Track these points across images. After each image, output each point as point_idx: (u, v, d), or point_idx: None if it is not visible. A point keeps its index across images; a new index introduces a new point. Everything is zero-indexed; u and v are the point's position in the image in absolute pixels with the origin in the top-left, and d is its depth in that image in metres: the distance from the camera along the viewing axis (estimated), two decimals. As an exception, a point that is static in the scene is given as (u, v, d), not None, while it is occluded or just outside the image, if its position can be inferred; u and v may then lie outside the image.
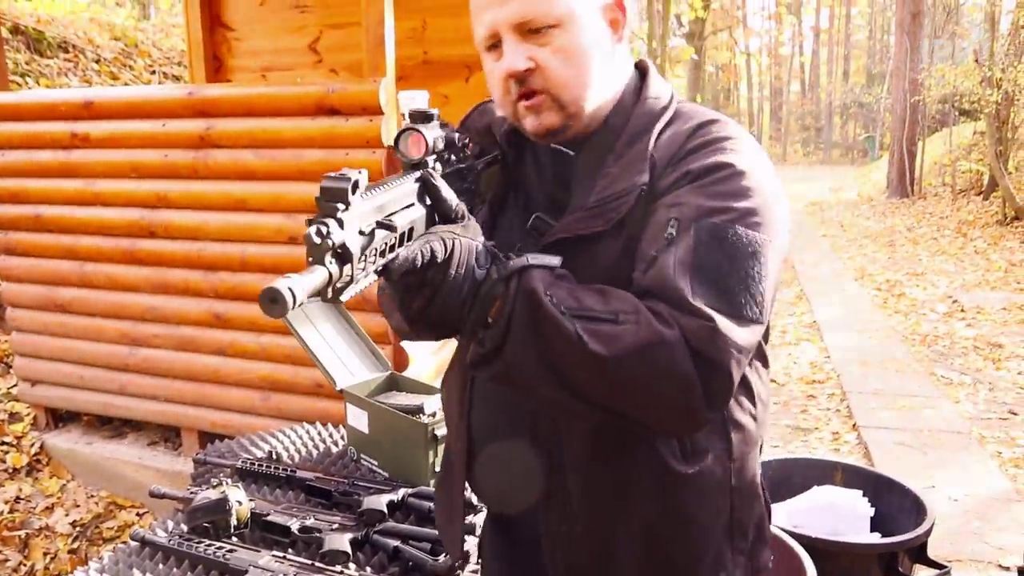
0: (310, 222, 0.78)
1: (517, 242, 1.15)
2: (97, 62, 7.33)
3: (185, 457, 3.72)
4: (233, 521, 1.85)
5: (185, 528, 1.90)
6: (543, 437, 1.16)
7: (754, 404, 1.17)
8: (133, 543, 1.89)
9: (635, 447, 1.11)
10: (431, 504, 1.94)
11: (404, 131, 1.05)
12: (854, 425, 4.73)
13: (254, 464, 2.25)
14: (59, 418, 4.23)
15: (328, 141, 3.13)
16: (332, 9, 4.66)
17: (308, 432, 2.61)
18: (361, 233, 0.82)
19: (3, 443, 4.09)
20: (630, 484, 1.13)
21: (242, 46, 4.97)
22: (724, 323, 0.95)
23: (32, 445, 4.10)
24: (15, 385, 4.27)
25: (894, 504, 2.76)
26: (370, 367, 2.51)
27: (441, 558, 1.74)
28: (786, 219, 1.09)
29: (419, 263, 0.89)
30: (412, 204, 0.96)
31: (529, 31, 1.08)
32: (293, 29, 4.84)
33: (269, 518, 1.89)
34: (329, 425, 2.65)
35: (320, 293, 0.78)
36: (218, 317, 3.51)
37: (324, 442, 2.56)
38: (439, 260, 0.91)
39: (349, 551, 1.74)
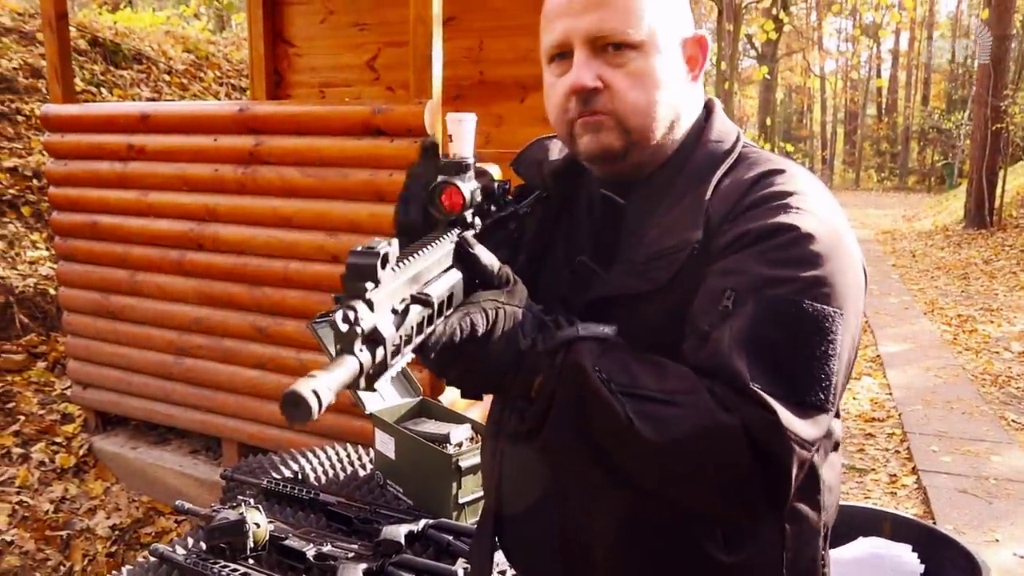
0: (336, 302, 0.71)
1: (560, 287, 1.08)
2: (168, 73, 7.55)
3: (224, 468, 3.75)
4: (250, 543, 1.84)
5: (204, 546, 1.89)
6: (572, 512, 1.08)
7: (818, 492, 1.05)
8: (152, 559, 1.89)
9: (670, 531, 1.02)
10: (451, 537, 1.90)
11: (438, 185, 0.98)
12: (913, 468, 4.52)
13: (279, 485, 2.24)
14: (108, 422, 4.31)
15: (373, 161, 3.13)
16: (390, 27, 4.70)
17: (338, 453, 2.59)
18: (394, 312, 0.75)
19: (54, 443, 4.19)
20: (662, 570, 1.04)
21: (302, 62, 5.05)
22: (786, 414, 0.85)
23: (81, 447, 4.19)
24: (69, 387, 4.38)
25: (947, 561, 2.59)
26: (402, 391, 2.49)
27: (454, 597, 1.69)
28: (860, 285, 0.97)
29: (457, 338, 0.82)
30: (450, 267, 0.88)
31: (605, 47, 1.00)
32: (352, 47, 4.89)
33: (286, 542, 1.87)
34: (359, 447, 2.63)
35: (351, 386, 0.70)
36: (260, 331, 3.53)
37: (352, 464, 2.53)
38: (479, 334, 0.84)
39: (361, 583, 1.70)
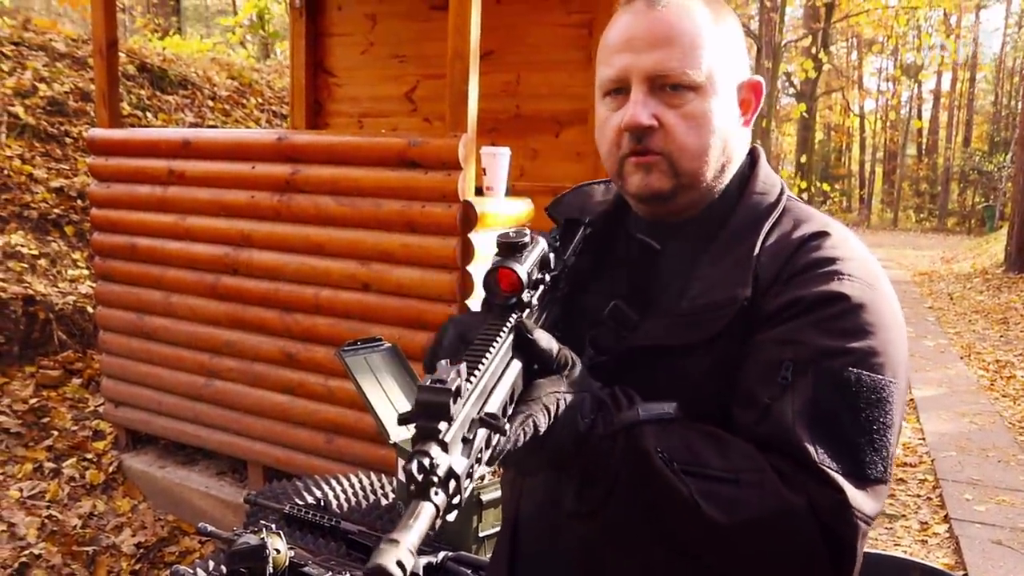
0: (411, 450, 0.68)
1: (594, 328, 1.07)
2: (212, 99, 7.73)
3: (249, 491, 3.78)
4: (269, 569, 1.85)
5: (224, 570, 1.91)
6: (596, 558, 1.06)
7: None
8: (172, 581, 1.91)
9: None
10: (469, 571, 1.89)
11: (494, 268, 0.93)
12: (946, 516, 4.40)
13: (301, 511, 2.25)
14: (138, 440, 4.38)
15: (407, 192, 3.17)
16: (429, 60, 4.77)
17: (361, 481, 2.60)
18: (465, 441, 0.73)
19: (85, 459, 4.26)
20: None
21: (342, 92, 5.14)
22: (852, 491, 0.85)
23: (111, 464, 4.25)
24: (102, 404, 4.46)
25: (976, 616, 2.54)
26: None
27: (469, 632, 1.68)
28: (907, 350, 0.97)
29: (521, 442, 0.80)
30: (510, 361, 0.86)
31: (663, 87, 0.99)
32: (391, 78, 4.98)
33: (305, 569, 1.88)
34: (383, 476, 2.64)
35: (430, 528, 0.68)
36: (290, 356, 3.57)
37: (375, 493, 2.55)
38: (541, 433, 0.82)
39: (377, 614, 1.70)
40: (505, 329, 0.87)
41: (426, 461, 0.66)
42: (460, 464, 0.71)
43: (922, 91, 35.88)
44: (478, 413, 0.76)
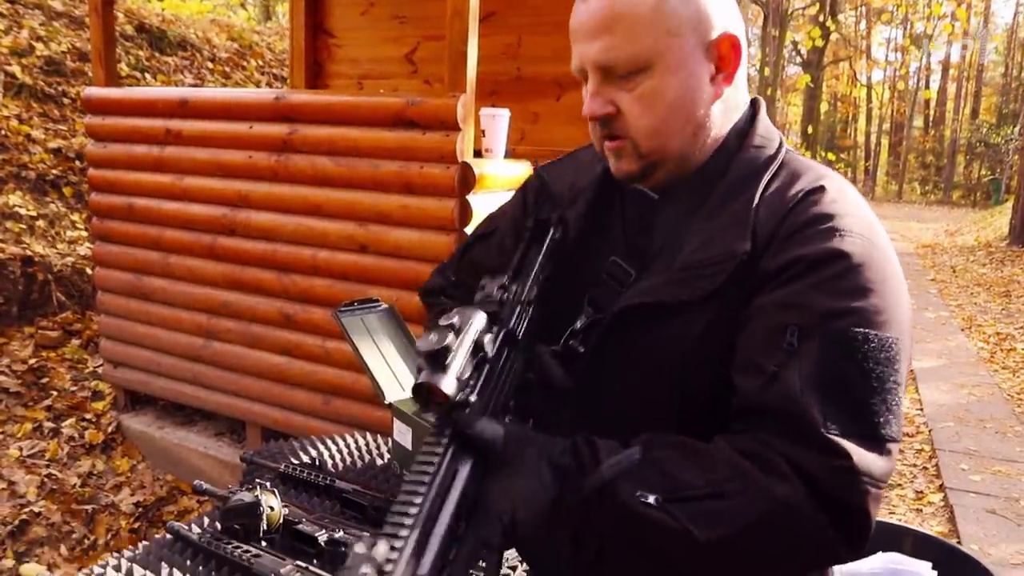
0: None
1: (593, 287, 1.06)
2: (212, 61, 7.65)
3: (246, 451, 3.80)
4: (263, 526, 1.85)
5: (218, 527, 1.91)
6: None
7: None
8: (168, 536, 1.91)
9: None
10: (462, 530, 1.90)
11: (419, 384, 0.88)
12: (941, 486, 4.43)
13: (296, 470, 2.26)
14: (136, 401, 4.39)
15: (404, 153, 3.14)
16: (429, 21, 4.71)
17: (357, 441, 2.60)
18: None
19: (84, 419, 4.28)
20: None
21: (342, 53, 5.08)
22: (861, 456, 0.83)
23: (110, 424, 4.27)
24: (101, 365, 4.47)
25: (967, 581, 2.54)
26: (421, 382, 2.48)
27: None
28: (909, 307, 0.96)
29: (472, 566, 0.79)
30: (455, 473, 0.82)
31: (613, 73, 1.00)
32: (391, 39, 4.91)
33: (299, 526, 1.88)
34: (379, 436, 2.64)
35: None
36: (287, 318, 3.56)
37: (370, 453, 2.54)
38: (495, 547, 0.82)
39: (369, 571, 1.70)
40: (440, 445, 0.83)
41: None
42: None
43: (931, 61, 35.54)
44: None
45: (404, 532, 0.73)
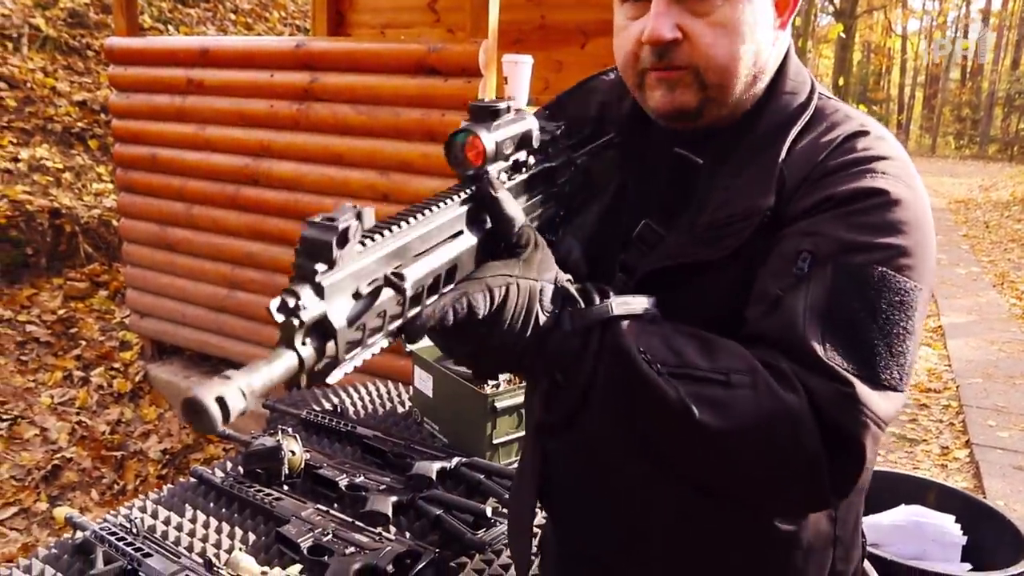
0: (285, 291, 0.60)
1: (625, 251, 0.99)
2: (235, 12, 7.60)
3: (270, 399, 3.84)
4: (285, 470, 1.87)
5: (241, 471, 1.94)
6: (623, 494, 1.02)
7: None
8: (192, 479, 1.94)
9: (730, 507, 0.95)
10: (482, 476, 1.91)
11: (457, 133, 0.82)
12: (967, 442, 4.39)
13: (318, 416, 2.28)
14: (163, 350, 4.45)
15: (426, 100, 3.11)
16: (452, -31, 4.63)
17: (379, 389, 2.62)
18: (357, 296, 0.63)
19: (112, 368, 4.35)
20: (723, 543, 0.98)
21: (363, 2, 5.01)
22: (861, 388, 0.78)
23: (137, 374, 4.34)
24: (128, 315, 4.52)
25: (991, 535, 2.52)
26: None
27: (480, 533, 1.69)
28: (935, 256, 0.90)
29: (450, 320, 0.70)
30: (459, 233, 0.76)
31: None
32: (414, -13, 4.84)
33: (320, 471, 1.90)
34: (400, 385, 2.65)
35: (292, 382, 0.61)
36: (310, 267, 3.57)
37: (391, 401, 2.56)
38: (481, 316, 0.71)
39: (390, 514, 1.72)
40: (460, 195, 0.78)
41: (291, 301, 0.58)
42: (339, 315, 0.62)
43: (970, 10, 34.47)
44: (386, 274, 0.67)
45: (398, 228, 0.68)
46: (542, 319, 0.76)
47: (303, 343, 0.59)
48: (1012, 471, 3.98)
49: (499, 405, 2.03)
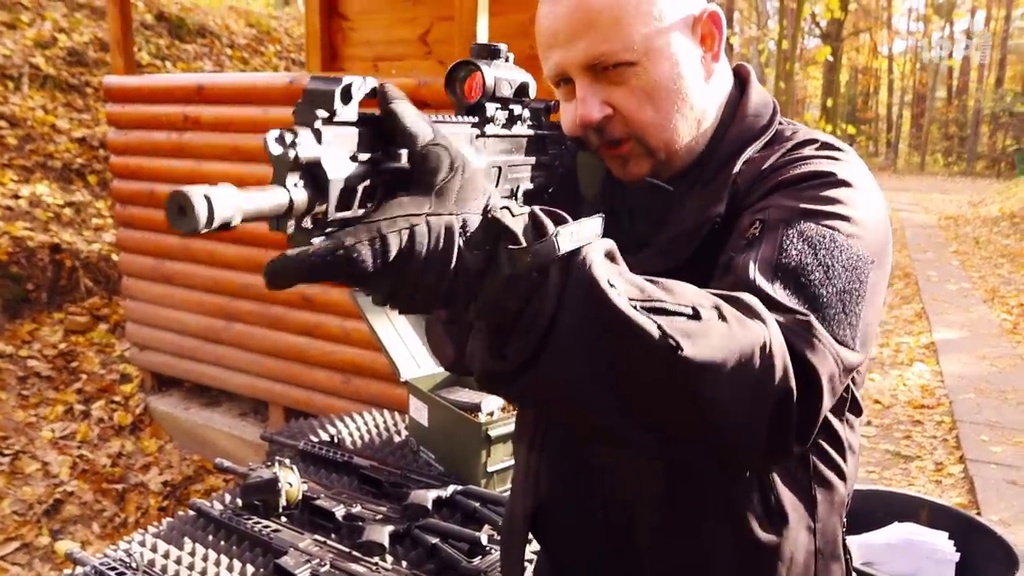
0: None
1: None
2: (231, 47, 7.70)
3: (266, 430, 3.88)
4: (282, 501, 1.90)
5: (239, 503, 1.97)
6: (611, 496, 1.05)
7: (843, 457, 1.02)
8: (191, 512, 1.97)
9: (713, 512, 0.98)
10: (478, 504, 1.94)
11: (458, 66, 0.84)
12: (961, 457, 4.42)
13: (315, 447, 2.31)
14: (163, 382, 4.49)
15: (417, 134, 3.16)
16: (443, 2, 4.70)
17: (375, 419, 2.65)
18: (355, 160, 0.59)
19: (113, 402, 4.38)
20: (707, 552, 1.01)
21: (356, 36, 5.09)
22: (817, 323, 0.76)
23: (137, 406, 4.37)
24: (128, 348, 4.57)
25: (983, 551, 2.55)
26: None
27: (476, 561, 1.73)
28: (890, 251, 0.91)
29: (334, 279, 0.59)
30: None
31: (603, 69, 0.93)
32: (405, 21, 4.92)
33: (317, 502, 1.93)
34: (396, 414, 2.69)
35: (277, 219, 0.56)
36: (306, 299, 3.62)
37: (388, 430, 2.60)
38: (371, 271, 0.59)
39: (386, 543, 1.75)
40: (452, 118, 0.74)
41: (288, 136, 0.55)
42: (334, 167, 0.58)
43: (954, 31, 34.78)
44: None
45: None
46: (469, 262, 0.63)
47: (295, 184, 0.56)
48: (1005, 486, 4.01)
49: (493, 433, 2.07)
